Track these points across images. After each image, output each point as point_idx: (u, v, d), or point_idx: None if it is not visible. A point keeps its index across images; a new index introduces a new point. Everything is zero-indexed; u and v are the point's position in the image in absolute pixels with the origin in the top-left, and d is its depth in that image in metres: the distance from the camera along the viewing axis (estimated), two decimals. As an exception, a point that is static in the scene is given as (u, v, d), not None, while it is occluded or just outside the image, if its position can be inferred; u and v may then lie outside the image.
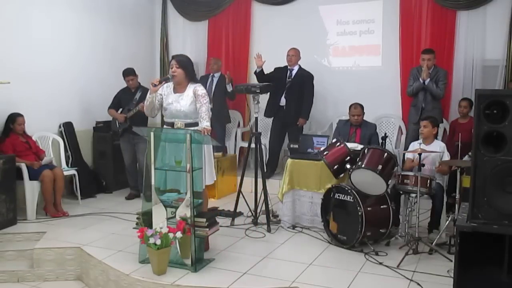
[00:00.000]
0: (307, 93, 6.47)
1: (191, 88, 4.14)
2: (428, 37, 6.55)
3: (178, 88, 4.16)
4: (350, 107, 5.54)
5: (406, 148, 5.47)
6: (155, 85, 4.08)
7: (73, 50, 6.45)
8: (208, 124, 4.01)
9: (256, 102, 4.97)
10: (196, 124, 4.10)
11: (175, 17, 8.09)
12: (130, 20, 7.52)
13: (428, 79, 5.76)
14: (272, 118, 6.74)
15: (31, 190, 5.24)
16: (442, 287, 3.54)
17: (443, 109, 6.46)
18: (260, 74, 6.37)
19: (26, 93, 5.70)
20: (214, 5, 7.72)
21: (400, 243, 4.35)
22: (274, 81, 6.09)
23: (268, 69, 6.51)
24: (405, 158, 5.06)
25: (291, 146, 5.67)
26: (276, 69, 6.60)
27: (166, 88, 4.20)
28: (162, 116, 4.36)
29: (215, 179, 4.41)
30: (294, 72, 6.52)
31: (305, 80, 6.48)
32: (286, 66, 6.56)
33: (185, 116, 4.11)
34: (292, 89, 6.44)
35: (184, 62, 4.14)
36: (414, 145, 4.82)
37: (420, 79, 5.80)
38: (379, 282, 3.66)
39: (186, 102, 4.09)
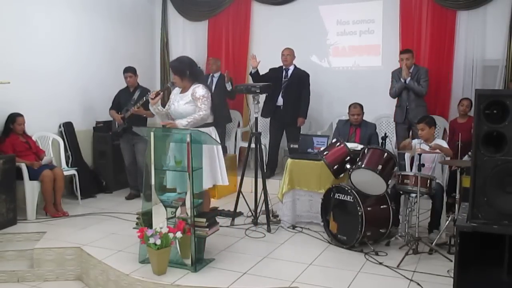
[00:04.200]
0: (304, 92, 6.48)
1: (192, 88, 4.18)
2: (428, 37, 6.55)
3: (183, 89, 4.25)
4: (349, 106, 5.54)
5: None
6: (153, 98, 4.17)
7: (73, 50, 6.45)
8: (184, 123, 3.99)
9: (256, 102, 4.96)
10: None
11: (175, 17, 8.08)
12: (130, 20, 7.52)
13: (409, 78, 5.85)
14: (269, 118, 6.74)
15: (31, 190, 5.23)
16: (442, 287, 3.54)
17: (443, 109, 6.47)
18: (255, 75, 6.34)
19: (26, 93, 5.70)
20: (214, 5, 7.72)
21: (400, 243, 4.35)
22: (270, 82, 6.08)
23: (267, 69, 6.50)
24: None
25: (291, 146, 5.66)
26: (271, 69, 6.59)
27: (176, 89, 4.32)
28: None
29: (220, 183, 4.32)
30: (290, 72, 6.52)
31: (301, 79, 6.48)
32: (281, 66, 6.56)
33: (181, 116, 4.13)
34: (289, 89, 6.43)
35: (177, 67, 4.21)
36: (415, 143, 4.82)
37: (401, 79, 5.90)
38: (379, 282, 3.66)
39: (182, 102, 4.15)
